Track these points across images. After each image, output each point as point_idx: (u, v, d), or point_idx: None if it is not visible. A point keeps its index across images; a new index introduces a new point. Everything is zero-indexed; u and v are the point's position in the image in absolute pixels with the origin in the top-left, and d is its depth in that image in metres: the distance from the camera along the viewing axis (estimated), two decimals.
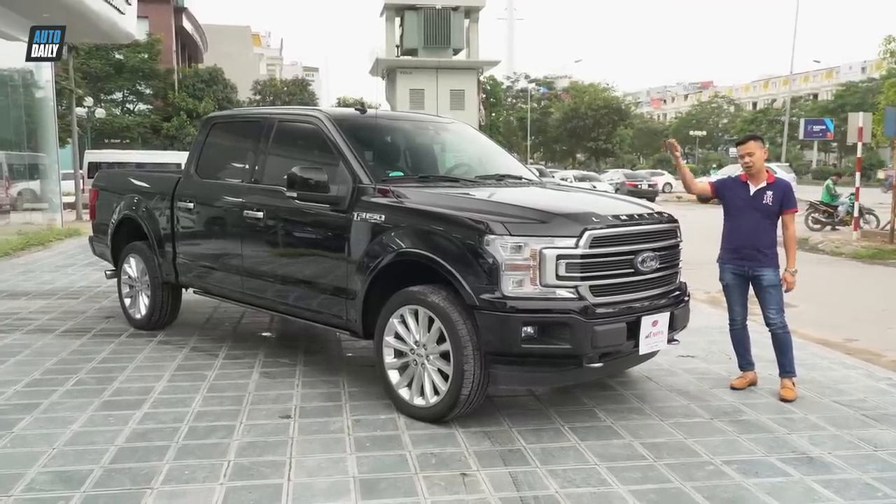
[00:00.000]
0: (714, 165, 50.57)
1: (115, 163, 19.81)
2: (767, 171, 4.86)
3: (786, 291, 4.80)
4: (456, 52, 46.48)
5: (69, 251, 12.23)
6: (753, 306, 5.03)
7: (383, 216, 4.41)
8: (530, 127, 63.35)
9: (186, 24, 42.15)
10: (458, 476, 3.51)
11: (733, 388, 4.91)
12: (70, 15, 12.86)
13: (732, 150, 60.39)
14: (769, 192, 4.79)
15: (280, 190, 4.85)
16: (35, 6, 12.64)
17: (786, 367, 4.82)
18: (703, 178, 9.16)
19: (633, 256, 4.15)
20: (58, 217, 16.64)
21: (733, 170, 26.34)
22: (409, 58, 45.92)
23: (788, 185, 4.88)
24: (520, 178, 5.44)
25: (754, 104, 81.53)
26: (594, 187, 25.93)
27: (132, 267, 6.48)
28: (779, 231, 4.85)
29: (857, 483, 3.48)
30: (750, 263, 4.83)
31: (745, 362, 5.03)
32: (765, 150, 4.84)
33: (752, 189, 4.83)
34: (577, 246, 3.91)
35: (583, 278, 3.94)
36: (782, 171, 32.35)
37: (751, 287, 4.93)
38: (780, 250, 4.84)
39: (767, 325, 4.86)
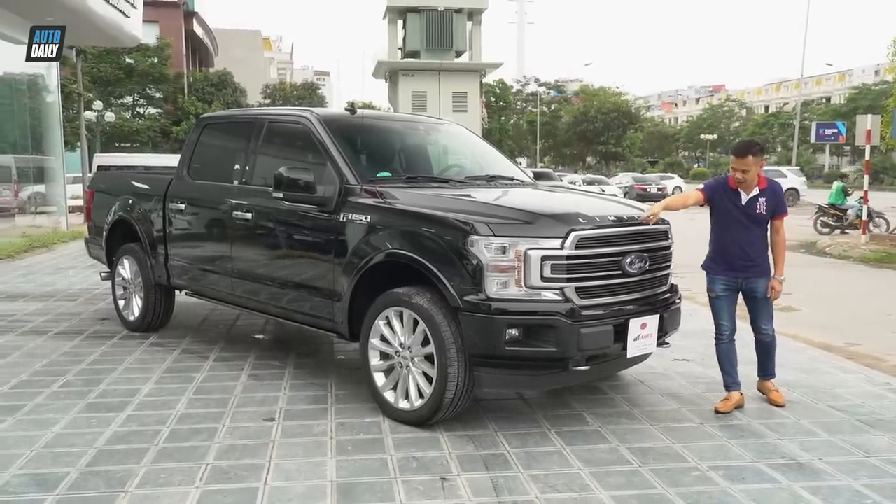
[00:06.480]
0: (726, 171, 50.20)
1: (124, 166, 19.78)
2: (759, 176, 4.52)
3: (773, 300, 4.56)
4: (458, 54, 46.27)
5: (72, 253, 12.25)
6: (741, 311, 4.77)
7: (369, 217, 4.36)
8: (540, 130, 63.22)
9: (197, 29, 42.42)
10: (437, 480, 3.45)
11: (718, 413, 4.42)
12: (73, 18, 12.88)
13: None
14: (762, 199, 4.49)
15: (268, 191, 4.82)
16: (39, 9, 12.68)
17: (768, 370, 4.69)
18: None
19: (620, 258, 4.07)
20: (63, 220, 16.70)
21: None
22: (412, 60, 45.73)
23: (780, 188, 4.63)
24: (511, 178, 5.38)
25: (766, 107, 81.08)
26: (602, 191, 25.82)
27: (126, 269, 6.47)
28: None
29: (846, 490, 3.39)
30: (744, 275, 4.55)
31: (732, 381, 4.59)
32: (762, 161, 4.49)
33: (745, 198, 4.49)
34: (562, 247, 3.85)
35: (569, 280, 3.88)
36: (793, 175, 32.14)
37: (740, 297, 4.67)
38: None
39: (758, 332, 4.65)
